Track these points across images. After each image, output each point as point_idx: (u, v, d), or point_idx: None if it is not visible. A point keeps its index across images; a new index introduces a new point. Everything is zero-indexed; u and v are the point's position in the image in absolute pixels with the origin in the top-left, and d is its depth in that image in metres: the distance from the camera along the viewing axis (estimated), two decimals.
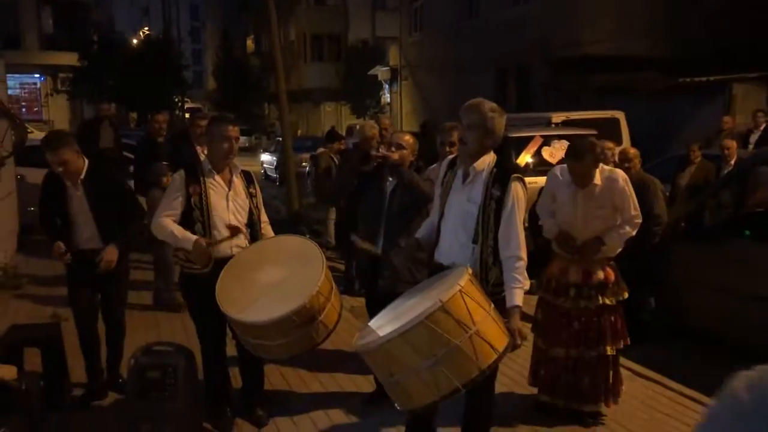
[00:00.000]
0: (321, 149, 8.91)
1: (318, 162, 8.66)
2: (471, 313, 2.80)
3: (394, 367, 2.84)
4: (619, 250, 4.18)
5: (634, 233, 4.14)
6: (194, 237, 3.76)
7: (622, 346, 4.18)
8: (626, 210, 4.05)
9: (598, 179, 4.01)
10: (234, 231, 3.81)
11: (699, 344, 5.60)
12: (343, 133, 8.86)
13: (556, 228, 4.18)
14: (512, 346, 3.03)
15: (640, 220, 4.13)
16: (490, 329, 2.87)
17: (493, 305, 3.01)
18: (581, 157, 3.92)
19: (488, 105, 3.25)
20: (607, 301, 4.08)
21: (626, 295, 4.17)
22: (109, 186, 4.30)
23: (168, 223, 3.81)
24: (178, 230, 3.79)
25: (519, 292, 3.14)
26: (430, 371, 2.76)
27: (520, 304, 3.14)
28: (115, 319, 4.57)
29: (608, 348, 4.09)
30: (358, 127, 5.79)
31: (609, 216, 4.05)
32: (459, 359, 2.76)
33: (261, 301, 3.52)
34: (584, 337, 4.09)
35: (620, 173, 4.11)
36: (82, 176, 4.18)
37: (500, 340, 2.90)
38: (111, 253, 4.17)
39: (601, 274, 4.09)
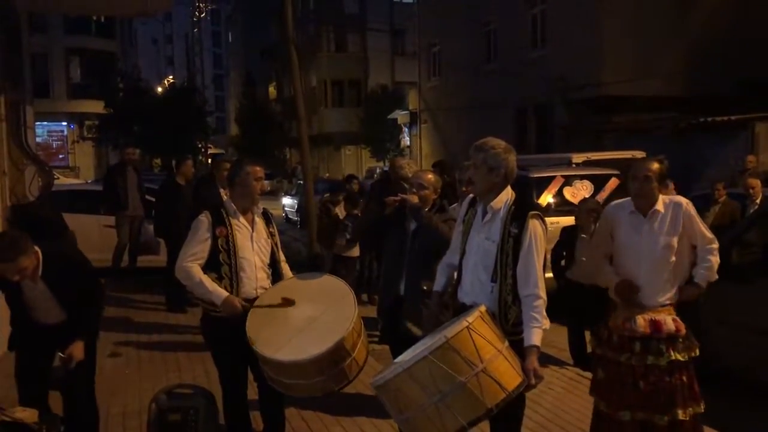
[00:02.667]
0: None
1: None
2: (479, 351, 2.79)
3: (402, 404, 2.84)
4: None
5: (718, 259, 3.72)
6: (225, 293, 3.71)
7: (700, 410, 3.64)
8: (699, 235, 3.65)
9: (660, 206, 3.64)
10: (287, 303, 3.71)
11: (728, 385, 5.44)
12: (363, 175, 9.08)
13: (616, 276, 3.74)
14: (527, 386, 2.98)
15: (717, 244, 3.70)
16: (500, 367, 2.84)
17: (507, 343, 2.98)
18: (645, 179, 3.62)
19: (492, 143, 3.26)
20: (679, 357, 3.58)
21: (698, 352, 3.68)
22: (69, 270, 3.84)
23: (196, 271, 3.74)
24: (209, 282, 3.73)
25: (537, 331, 3.08)
26: (436, 408, 2.74)
27: (538, 343, 3.07)
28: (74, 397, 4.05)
29: (680, 412, 3.55)
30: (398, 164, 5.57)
31: (676, 245, 3.63)
32: (464, 396, 2.74)
33: (295, 340, 3.49)
34: (653, 399, 3.56)
35: (683, 199, 3.71)
36: (41, 272, 3.73)
37: (511, 380, 2.86)
38: (78, 350, 3.75)
39: (672, 325, 3.62)
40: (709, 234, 3.70)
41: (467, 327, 2.82)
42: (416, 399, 2.78)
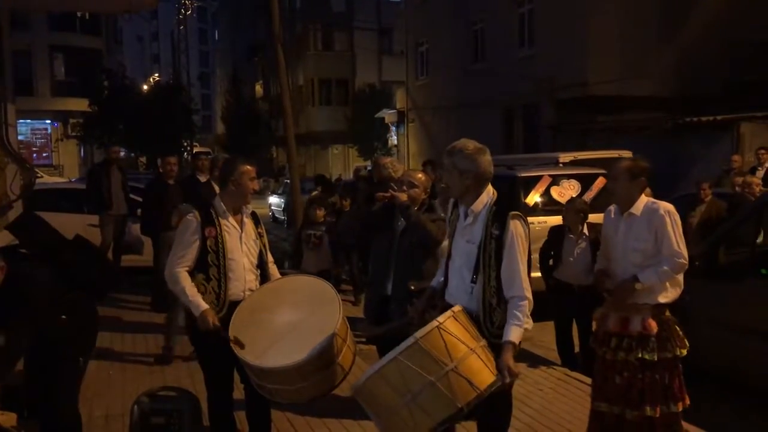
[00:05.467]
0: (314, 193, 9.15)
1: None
2: (449, 350, 2.80)
3: (376, 407, 2.87)
4: (667, 296, 3.69)
5: (676, 274, 3.66)
6: (204, 306, 3.65)
7: (674, 409, 3.68)
8: (664, 244, 3.61)
9: (638, 209, 3.69)
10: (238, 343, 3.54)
11: (713, 384, 5.45)
12: (351, 174, 8.96)
13: (600, 266, 3.94)
14: (501, 384, 2.93)
15: (683, 261, 3.62)
16: (473, 366, 2.84)
17: (484, 342, 2.98)
18: (614, 178, 3.80)
19: (461, 145, 3.25)
20: (646, 356, 3.64)
21: (683, 352, 3.71)
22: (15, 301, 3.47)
23: (183, 278, 3.69)
24: (191, 290, 3.68)
25: (515, 329, 3.05)
26: (408, 409, 2.76)
27: (515, 340, 3.03)
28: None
29: (648, 408, 3.63)
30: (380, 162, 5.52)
31: (649, 250, 3.65)
32: (435, 396, 2.75)
33: (278, 345, 3.43)
34: (626, 394, 3.69)
35: (665, 205, 3.70)
36: None
37: (483, 378, 2.85)
38: None
39: (638, 325, 3.68)
40: (677, 248, 3.60)
41: (437, 327, 2.84)
42: (389, 401, 2.80)
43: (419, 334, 2.82)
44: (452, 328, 2.87)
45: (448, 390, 2.74)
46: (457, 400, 2.75)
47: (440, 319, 2.88)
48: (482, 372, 2.85)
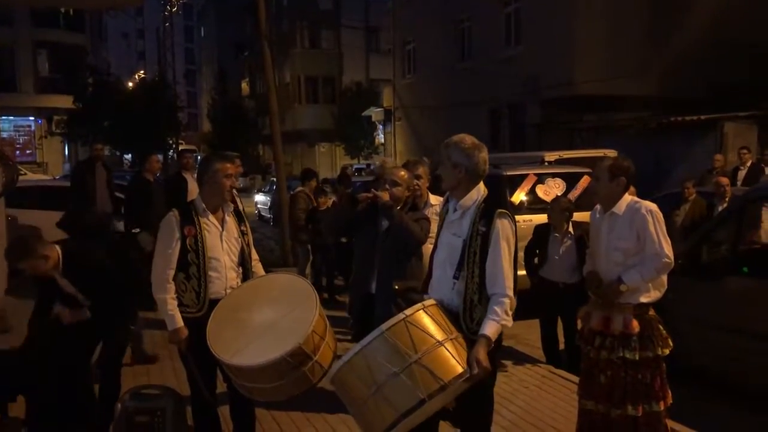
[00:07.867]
0: (299, 188, 9.10)
1: (295, 202, 8.81)
2: (415, 342, 2.82)
3: (348, 397, 2.91)
4: (650, 296, 3.72)
5: (658, 274, 3.68)
6: (179, 324, 3.68)
7: (656, 408, 3.70)
8: (648, 244, 3.62)
9: (620, 208, 3.71)
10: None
11: (696, 383, 5.50)
12: (338, 172, 8.94)
13: (590, 266, 3.94)
14: (470, 377, 2.91)
15: (667, 260, 3.62)
16: (438, 358, 2.85)
17: (456, 335, 2.98)
18: (596, 178, 3.84)
19: (458, 139, 3.27)
20: (627, 356, 3.66)
21: (665, 352, 3.72)
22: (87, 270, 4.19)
23: (168, 290, 3.70)
24: (171, 304, 3.69)
25: (493, 324, 3.05)
26: (374, 400, 2.79)
27: (489, 335, 3.02)
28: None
29: (630, 407, 3.66)
30: (377, 164, 5.78)
31: (631, 249, 3.66)
32: (398, 387, 2.78)
33: (254, 344, 3.42)
34: (610, 392, 3.71)
35: (648, 204, 3.70)
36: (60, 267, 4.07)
37: (448, 370, 2.85)
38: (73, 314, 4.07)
39: (620, 324, 3.69)
40: (660, 248, 3.61)
41: (404, 319, 2.87)
42: (358, 391, 2.84)
43: (385, 326, 2.85)
44: (420, 321, 2.90)
45: (410, 381, 2.77)
46: (419, 391, 2.76)
47: (408, 311, 2.92)
48: (448, 364, 2.86)
